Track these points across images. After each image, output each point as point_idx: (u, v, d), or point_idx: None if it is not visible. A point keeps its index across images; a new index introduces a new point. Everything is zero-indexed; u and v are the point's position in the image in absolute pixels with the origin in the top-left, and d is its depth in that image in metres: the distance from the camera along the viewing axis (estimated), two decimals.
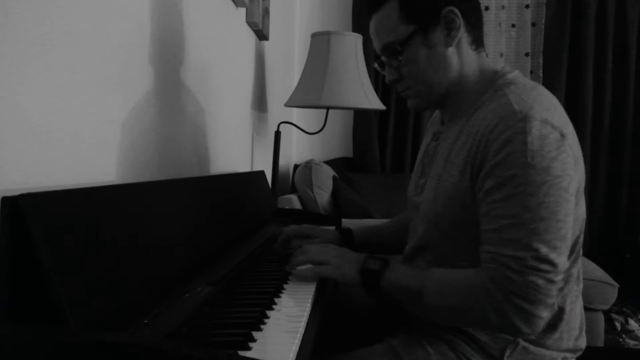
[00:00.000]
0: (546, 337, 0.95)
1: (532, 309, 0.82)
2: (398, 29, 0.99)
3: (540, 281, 0.82)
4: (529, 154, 0.84)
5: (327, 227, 1.34)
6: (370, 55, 3.28)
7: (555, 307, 0.90)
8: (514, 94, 0.91)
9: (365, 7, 1.08)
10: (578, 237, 0.97)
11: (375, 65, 1.09)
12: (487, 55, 1.06)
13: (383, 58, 1.06)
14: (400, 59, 1.01)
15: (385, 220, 1.42)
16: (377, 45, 1.05)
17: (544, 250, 0.82)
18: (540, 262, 0.82)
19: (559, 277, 0.83)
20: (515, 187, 0.84)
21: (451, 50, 0.99)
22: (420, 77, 1.01)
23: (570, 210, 0.86)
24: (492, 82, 0.99)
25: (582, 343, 1.00)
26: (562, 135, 0.86)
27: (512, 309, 0.82)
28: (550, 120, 0.86)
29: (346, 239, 1.28)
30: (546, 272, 0.82)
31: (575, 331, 0.99)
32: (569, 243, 0.86)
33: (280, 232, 1.28)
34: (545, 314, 0.83)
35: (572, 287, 0.97)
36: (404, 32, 0.99)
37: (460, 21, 0.97)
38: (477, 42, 1.02)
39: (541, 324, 0.84)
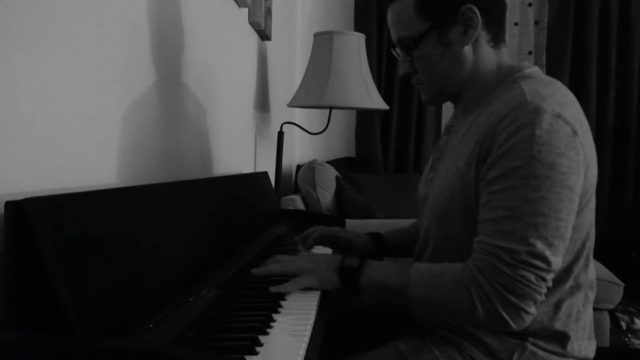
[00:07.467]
0: (555, 345, 0.92)
1: (520, 303, 0.79)
2: (413, 24, 0.96)
3: (532, 277, 0.79)
4: (536, 147, 0.81)
5: (358, 232, 1.28)
6: (372, 54, 3.27)
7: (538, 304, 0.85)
8: (528, 87, 0.87)
9: None
10: (585, 241, 0.93)
11: (393, 52, 1.06)
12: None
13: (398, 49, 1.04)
14: (413, 54, 0.99)
15: (408, 221, 1.37)
16: (393, 36, 1.02)
17: (540, 246, 0.79)
18: (534, 257, 0.79)
19: (550, 276, 0.81)
20: (518, 179, 0.81)
21: (467, 49, 0.96)
22: (433, 74, 0.99)
23: (573, 210, 0.83)
24: (508, 76, 0.96)
25: (591, 353, 0.97)
26: (574, 132, 0.83)
27: (500, 302, 0.79)
28: (563, 115, 0.83)
29: (377, 243, 1.25)
30: (539, 268, 0.80)
31: (584, 340, 0.96)
32: (567, 244, 0.83)
33: (313, 229, 1.24)
34: (533, 310, 0.81)
35: (580, 295, 0.94)
36: (419, 29, 0.96)
37: (479, 19, 0.93)
38: (497, 39, 0.98)
39: (528, 319, 0.81)
